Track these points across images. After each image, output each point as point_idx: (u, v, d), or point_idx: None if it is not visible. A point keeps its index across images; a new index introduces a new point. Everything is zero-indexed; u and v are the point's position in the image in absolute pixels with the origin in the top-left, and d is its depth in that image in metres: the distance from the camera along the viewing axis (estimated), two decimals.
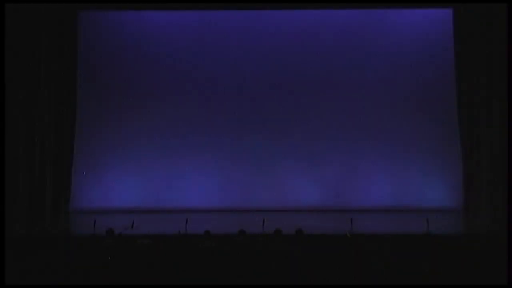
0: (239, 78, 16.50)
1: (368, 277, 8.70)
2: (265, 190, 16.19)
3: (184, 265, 9.08)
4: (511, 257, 9.11)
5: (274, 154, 16.41)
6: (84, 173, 14.83)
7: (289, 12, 16.13)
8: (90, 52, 16.21)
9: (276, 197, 16.15)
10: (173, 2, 15.29)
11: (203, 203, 15.74)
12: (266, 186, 16.25)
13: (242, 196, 16.15)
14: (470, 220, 14.71)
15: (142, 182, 15.52)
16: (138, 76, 16.42)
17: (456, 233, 13.08)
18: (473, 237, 10.71)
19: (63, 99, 15.58)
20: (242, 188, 16.28)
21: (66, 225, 13.90)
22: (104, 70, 16.42)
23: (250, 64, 16.45)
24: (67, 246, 10.55)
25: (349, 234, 10.77)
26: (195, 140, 16.36)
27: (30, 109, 14.32)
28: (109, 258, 9.40)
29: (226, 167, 16.33)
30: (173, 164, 16.11)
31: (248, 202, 15.95)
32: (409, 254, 9.44)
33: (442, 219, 14.04)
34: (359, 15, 16.23)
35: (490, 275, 8.79)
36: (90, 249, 10.10)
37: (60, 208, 15.23)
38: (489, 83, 14.67)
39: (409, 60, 16.17)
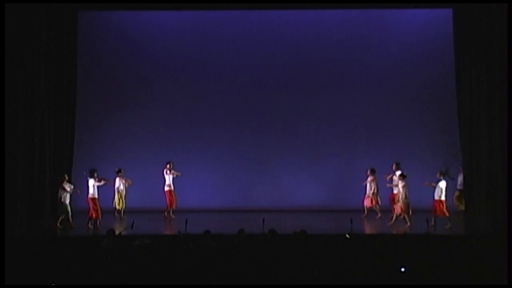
0: (239, 79, 16.49)
1: (368, 277, 8.69)
2: (265, 190, 16.19)
3: (184, 265, 9.08)
4: (511, 257, 9.11)
5: (275, 154, 16.41)
6: (84, 173, 14.79)
7: (289, 12, 16.12)
8: (90, 52, 16.20)
9: (276, 197, 16.15)
10: (173, 2, 15.27)
11: (203, 203, 15.72)
12: (266, 186, 16.25)
13: (242, 196, 16.15)
14: (470, 220, 14.72)
15: (142, 182, 15.49)
16: (138, 76, 16.41)
17: (456, 233, 13.09)
18: (473, 237, 10.69)
19: (63, 99, 15.57)
20: (242, 188, 16.27)
21: (66, 225, 13.88)
22: (104, 70, 16.42)
23: (250, 65, 16.44)
24: (67, 246, 10.56)
25: (348, 235, 10.79)
26: (195, 141, 16.36)
27: (30, 109, 14.31)
28: (109, 258, 9.40)
29: (226, 168, 16.34)
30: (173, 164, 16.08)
31: (248, 202, 15.95)
32: (411, 254, 9.44)
33: (442, 219, 14.02)
34: (358, 16, 16.22)
35: (491, 275, 8.79)
36: (90, 249, 10.11)
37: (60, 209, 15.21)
38: (489, 83, 14.65)
39: (409, 60, 16.17)
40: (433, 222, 13.25)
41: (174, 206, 15.03)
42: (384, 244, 10.26)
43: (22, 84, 13.95)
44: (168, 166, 15.06)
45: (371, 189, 14.85)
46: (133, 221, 12.61)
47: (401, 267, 8.75)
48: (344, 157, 16.14)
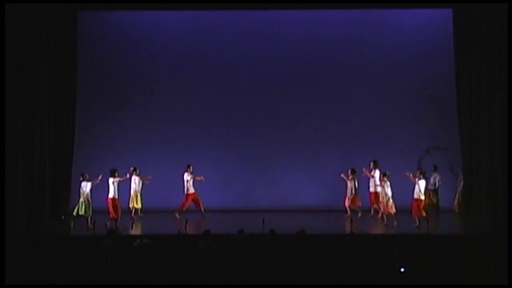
0: (239, 79, 16.49)
1: (368, 277, 8.69)
2: (265, 190, 16.19)
3: (184, 265, 9.08)
4: (511, 257, 9.12)
5: (275, 154, 16.41)
6: (84, 173, 14.81)
7: (289, 12, 16.12)
8: (90, 52, 16.20)
9: (276, 197, 16.14)
10: (173, 2, 15.28)
11: (203, 203, 15.69)
12: (266, 186, 16.24)
13: (242, 196, 16.14)
14: (470, 220, 14.72)
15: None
16: (138, 76, 16.41)
17: (456, 233, 13.09)
18: (473, 237, 10.70)
19: (63, 99, 15.58)
20: (242, 188, 16.27)
21: (66, 225, 13.88)
22: (104, 70, 16.42)
23: (250, 65, 16.44)
24: (67, 246, 10.56)
25: (352, 231, 10.82)
26: (195, 141, 16.36)
27: (30, 109, 14.30)
28: (109, 258, 9.41)
29: (226, 168, 16.33)
30: (173, 164, 16.09)
31: (248, 202, 15.94)
32: (411, 254, 9.44)
33: (442, 219, 14.04)
34: (358, 16, 16.22)
35: (491, 275, 8.80)
36: (90, 249, 10.11)
37: (60, 209, 15.23)
38: (489, 83, 14.65)
39: (409, 60, 16.17)
40: (426, 222, 13.28)
41: (184, 208, 15.02)
42: (384, 244, 10.26)
43: (22, 84, 13.95)
44: (188, 170, 15.08)
45: (350, 189, 14.94)
46: (133, 221, 12.63)
47: (401, 267, 8.75)
48: (344, 157, 16.11)
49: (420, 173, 13.65)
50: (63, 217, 14.94)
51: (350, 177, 14.91)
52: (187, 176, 15.08)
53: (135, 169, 14.98)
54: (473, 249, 9.87)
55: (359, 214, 14.86)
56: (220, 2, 15.14)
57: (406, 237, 11.16)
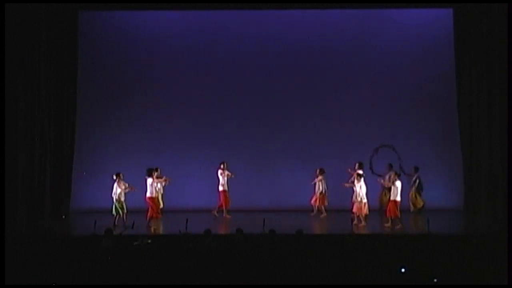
0: (239, 79, 16.48)
1: (368, 277, 8.70)
2: (265, 190, 16.18)
3: (184, 265, 9.09)
4: (511, 257, 9.13)
5: (275, 154, 16.39)
6: (84, 173, 14.81)
7: (289, 12, 16.10)
8: (90, 52, 16.20)
9: (276, 197, 16.13)
10: (173, 2, 15.28)
11: (203, 203, 15.71)
12: (266, 186, 16.23)
13: (242, 196, 16.11)
14: (470, 220, 14.72)
15: (142, 182, 15.47)
16: (138, 76, 16.39)
17: (456, 233, 13.09)
18: (473, 237, 10.71)
19: (63, 99, 15.58)
20: (242, 188, 16.23)
21: (66, 225, 13.90)
22: (104, 70, 16.41)
23: (250, 66, 16.43)
24: (67, 246, 10.57)
25: (348, 236, 10.83)
26: (195, 141, 16.35)
27: (30, 109, 14.30)
28: (109, 258, 9.42)
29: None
30: (173, 164, 16.08)
31: (248, 202, 15.93)
32: (411, 254, 9.45)
33: (442, 219, 14.03)
34: (358, 16, 16.21)
35: (491, 275, 8.81)
36: (90, 249, 10.11)
37: (60, 209, 15.24)
38: (489, 83, 14.66)
39: (409, 60, 16.15)
40: (399, 223, 13.38)
41: (228, 206, 15.04)
42: (384, 244, 10.27)
43: (22, 84, 13.95)
44: (222, 166, 15.08)
45: (319, 188, 14.99)
46: (133, 221, 12.60)
47: (401, 268, 8.76)
48: (344, 157, 16.08)
49: (395, 175, 13.71)
50: (63, 216, 14.96)
51: (318, 178, 14.97)
52: (220, 174, 15.08)
53: (156, 170, 14.96)
54: (473, 249, 9.88)
55: (323, 214, 14.89)
56: (220, 2, 15.15)
57: (406, 237, 11.17)
